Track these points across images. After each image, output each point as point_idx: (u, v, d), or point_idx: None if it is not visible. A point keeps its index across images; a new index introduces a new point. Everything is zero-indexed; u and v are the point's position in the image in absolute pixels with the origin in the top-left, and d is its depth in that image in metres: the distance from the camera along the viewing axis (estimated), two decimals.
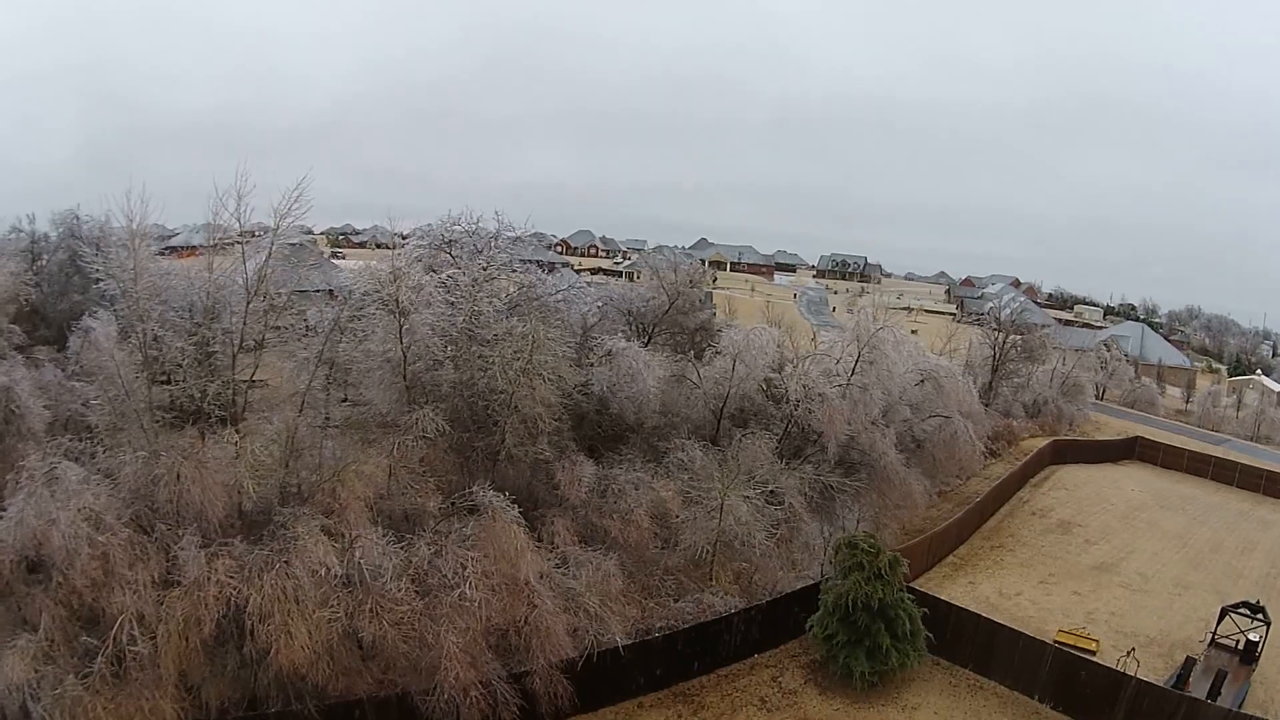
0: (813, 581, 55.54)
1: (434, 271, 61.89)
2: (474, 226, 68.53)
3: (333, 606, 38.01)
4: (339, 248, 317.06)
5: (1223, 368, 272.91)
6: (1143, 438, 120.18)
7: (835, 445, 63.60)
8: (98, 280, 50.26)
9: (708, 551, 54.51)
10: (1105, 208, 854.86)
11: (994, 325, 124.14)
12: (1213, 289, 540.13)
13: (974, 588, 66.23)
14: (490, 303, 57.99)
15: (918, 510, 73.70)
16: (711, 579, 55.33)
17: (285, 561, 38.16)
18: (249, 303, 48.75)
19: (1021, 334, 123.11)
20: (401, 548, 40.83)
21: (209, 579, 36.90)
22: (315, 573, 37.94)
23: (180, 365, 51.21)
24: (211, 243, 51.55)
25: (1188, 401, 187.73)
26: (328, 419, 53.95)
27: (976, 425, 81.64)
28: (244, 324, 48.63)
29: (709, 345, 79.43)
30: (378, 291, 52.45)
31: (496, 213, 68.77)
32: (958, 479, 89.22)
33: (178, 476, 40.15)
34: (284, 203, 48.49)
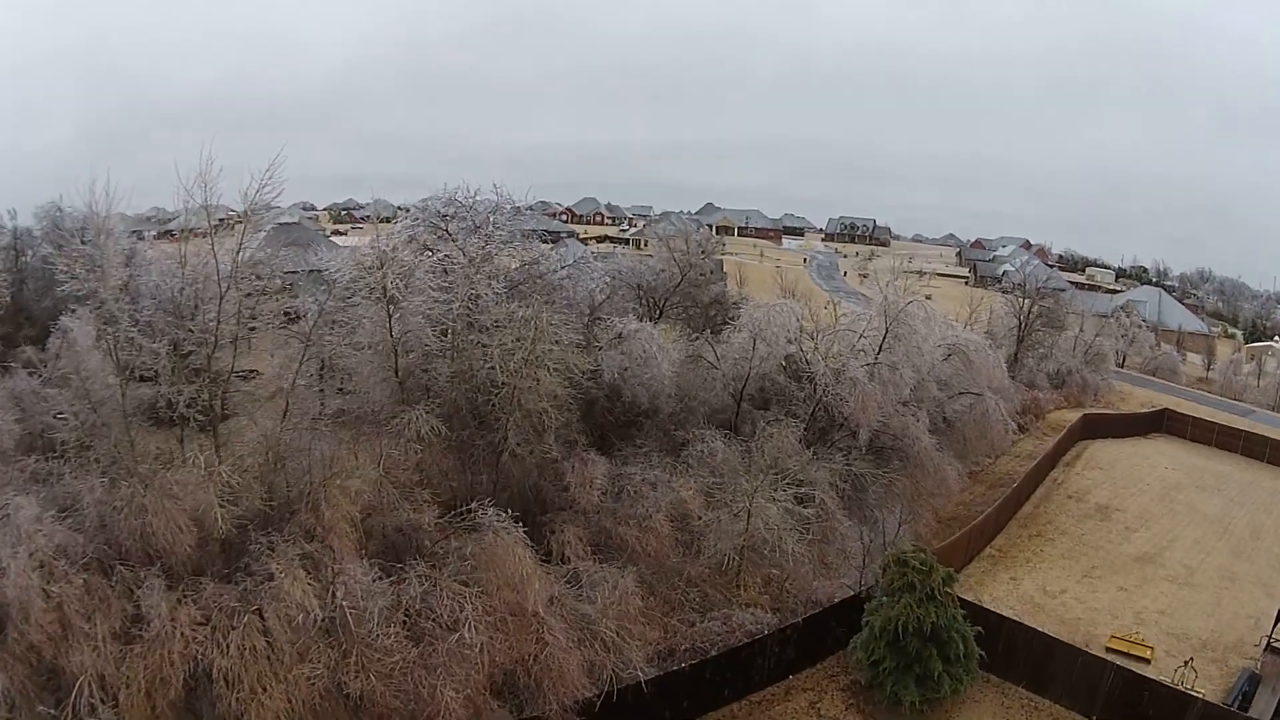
0: (851, 593, 50.49)
1: (430, 250, 57.55)
2: (471, 200, 62.99)
3: (312, 661, 33.08)
4: (341, 223, 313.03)
5: (1238, 333, 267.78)
6: (1170, 410, 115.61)
7: (866, 432, 58.92)
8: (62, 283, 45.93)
9: (734, 559, 49.25)
10: (1116, 164, 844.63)
11: (1019, 293, 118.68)
12: (1224, 248, 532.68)
13: (1016, 585, 62.13)
14: (489, 285, 52.92)
15: (952, 497, 69.56)
16: (739, 588, 50.28)
17: (257, 610, 33.32)
18: (222, 297, 44.28)
19: (1046, 301, 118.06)
20: (392, 582, 35.77)
21: (173, 632, 32.25)
22: (292, 620, 33.05)
23: (154, 369, 46.45)
24: (183, 230, 46.98)
25: (1209, 369, 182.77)
26: (321, 410, 49.86)
27: (1006, 402, 77.70)
28: (218, 321, 44.35)
29: (724, 320, 75.11)
30: (364, 278, 47.71)
31: (495, 185, 63.71)
32: (987, 458, 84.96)
33: (143, 509, 35.85)
34: (255, 185, 44.06)
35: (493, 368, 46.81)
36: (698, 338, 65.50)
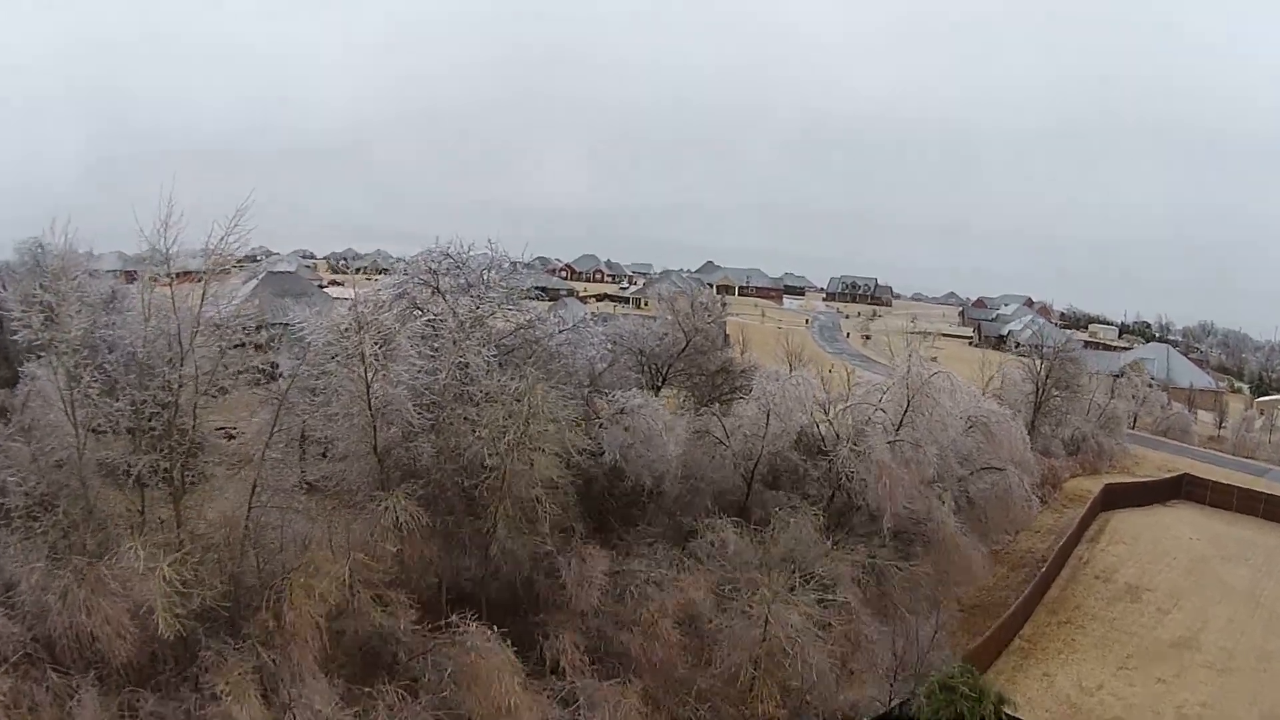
0: (881, 709, 44.91)
1: (420, 309, 52.95)
2: (464, 256, 57.75)
3: None
4: (339, 273, 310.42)
5: (1244, 386, 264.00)
6: (1189, 474, 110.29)
7: (891, 518, 54.05)
8: (14, 332, 41.88)
9: (749, 670, 43.86)
10: (1118, 217, 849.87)
11: (1035, 356, 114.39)
12: (1224, 301, 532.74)
13: (1050, 682, 57.49)
14: (480, 352, 47.79)
15: (977, 583, 64.70)
16: (755, 700, 44.48)
17: None
18: (183, 356, 40.05)
19: (1064, 366, 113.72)
20: (356, 714, 31.11)
21: None
22: None
23: (114, 429, 41.95)
24: (148, 279, 42.62)
25: (1220, 427, 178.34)
26: (301, 478, 45.37)
27: (1028, 475, 72.93)
28: (179, 382, 39.77)
29: (732, 389, 71.16)
30: (339, 343, 42.97)
31: (490, 241, 58.84)
32: (1007, 535, 79.95)
33: (84, 608, 31.88)
34: (220, 233, 40.46)
35: (482, 447, 42.36)
36: (704, 411, 61.15)
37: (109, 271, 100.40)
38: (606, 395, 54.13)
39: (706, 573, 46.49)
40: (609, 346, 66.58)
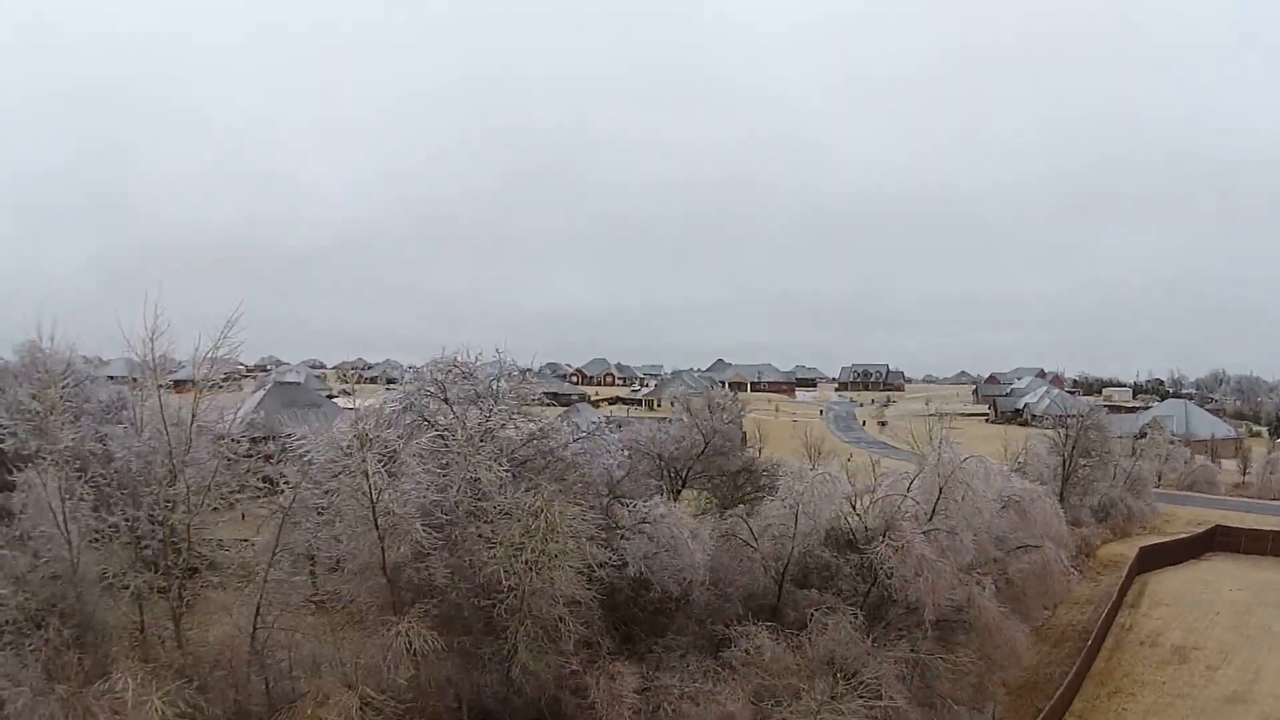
0: None
1: (428, 421, 51.60)
2: (473, 365, 56.36)
3: None
4: (348, 383, 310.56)
5: (1263, 430, 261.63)
6: (1221, 525, 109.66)
7: (933, 612, 51.98)
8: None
9: None
10: (1125, 277, 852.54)
11: (1061, 430, 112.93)
12: (1234, 347, 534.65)
13: None
14: (491, 467, 45.89)
15: (1021, 665, 62.36)
16: None
17: None
18: (174, 474, 39.05)
19: (1088, 434, 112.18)
20: None
21: None
22: None
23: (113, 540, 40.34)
24: (142, 389, 41.65)
25: (1245, 473, 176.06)
26: (313, 591, 44.94)
27: (1064, 549, 70.94)
28: (170, 501, 38.84)
29: (755, 489, 70.00)
30: (342, 461, 41.50)
31: (497, 349, 57.23)
32: (1045, 610, 78.19)
33: None
34: (210, 344, 40.01)
35: (498, 567, 40.75)
36: (730, 514, 59.21)
37: (114, 378, 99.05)
38: (628, 504, 52.33)
39: (742, 681, 44.35)
40: (626, 453, 65.23)
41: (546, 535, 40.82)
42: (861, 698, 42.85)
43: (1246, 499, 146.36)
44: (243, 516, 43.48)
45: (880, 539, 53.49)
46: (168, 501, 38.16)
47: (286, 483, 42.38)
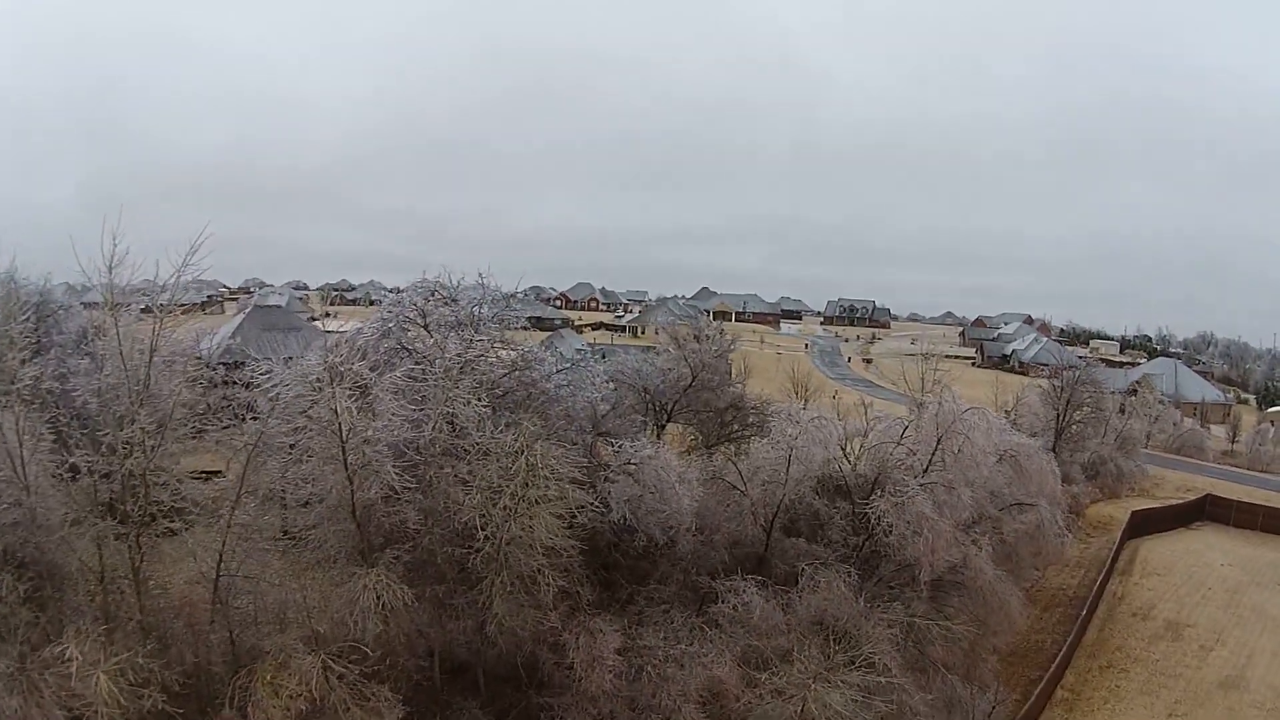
0: None
1: (406, 349, 48.36)
2: (454, 289, 53.01)
3: None
4: (332, 305, 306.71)
5: (1250, 397, 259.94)
6: (1212, 495, 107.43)
7: (931, 572, 49.19)
8: None
9: None
10: (1118, 227, 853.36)
11: (1056, 382, 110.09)
12: (1223, 307, 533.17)
13: None
14: (470, 402, 41.69)
15: (1015, 631, 60.38)
16: None
17: None
18: (135, 410, 34.86)
19: (1084, 388, 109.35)
20: None
21: None
22: None
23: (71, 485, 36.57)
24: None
25: (1234, 441, 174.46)
26: (283, 526, 40.89)
27: (1059, 509, 68.37)
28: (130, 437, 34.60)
29: (743, 426, 67.73)
30: (310, 396, 37.83)
31: (481, 273, 53.40)
32: (1035, 571, 75.70)
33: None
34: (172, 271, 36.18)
35: (473, 514, 37.64)
36: (718, 454, 57.64)
37: (90, 304, 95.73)
38: (614, 444, 48.98)
39: (729, 642, 41.59)
40: (611, 386, 61.95)
41: (527, 479, 37.77)
42: (858, 668, 39.85)
43: (1235, 468, 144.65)
44: (216, 443, 39.74)
45: (879, 492, 50.43)
46: (124, 444, 34.35)
47: (254, 415, 38.88)
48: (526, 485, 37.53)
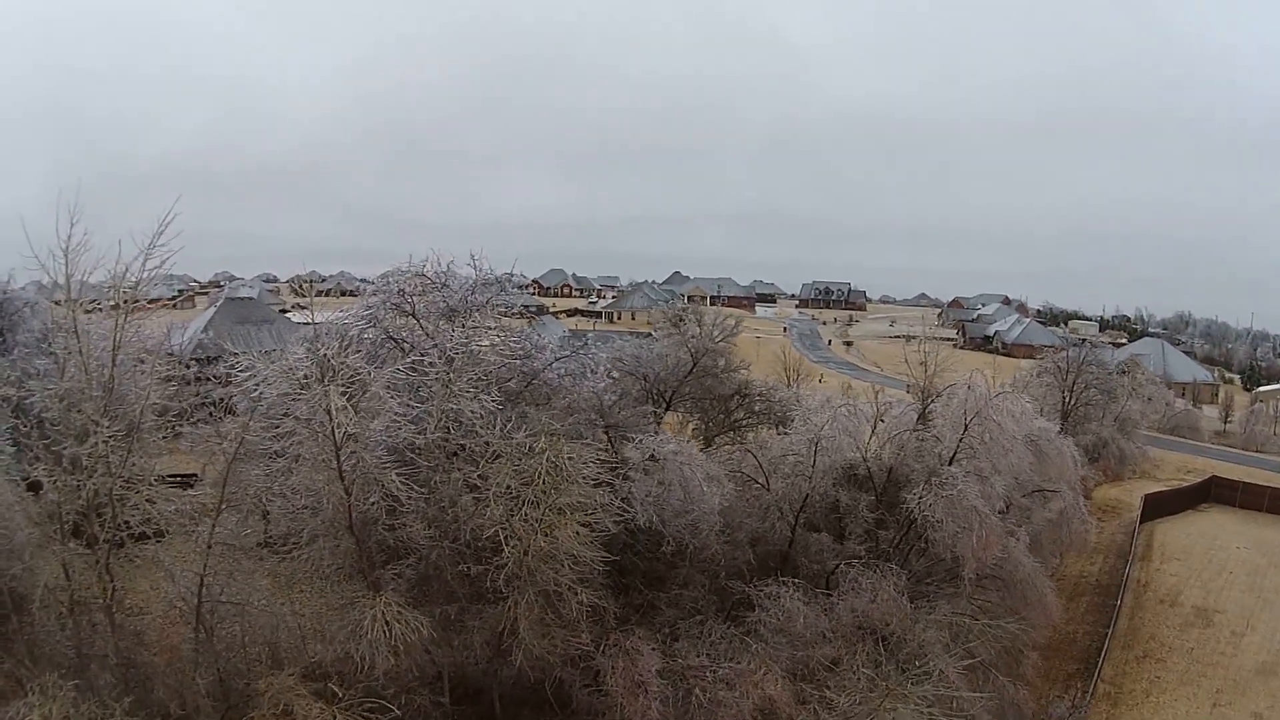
0: None
1: (394, 340, 43.84)
2: (444, 275, 47.51)
3: None
4: (302, 297, 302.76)
5: (1235, 377, 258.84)
6: (1217, 477, 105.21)
7: (973, 569, 45.70)
8: None
9: None
10: (1095, 208, 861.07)
11: (1063, 368, 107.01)
12: (1199, 290, 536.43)
13: None
14: (477, 397, 37.17)
15: (1053, 623, 57.39)
16: None
17: None
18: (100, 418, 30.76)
19: (1093, 372, 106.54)
20: None
21: None
22: None
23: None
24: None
25: (1226, 421, 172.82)
26: (265, 536, 37.30)
27: (1081, 495, 66.42)
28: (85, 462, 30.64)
29: (750, 414, 65.12)
30: (299, 396, 33.16)
31: (473, 256, 48.33)
32: (1054, 559, 72.96)
33: None
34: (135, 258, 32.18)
35: (482, 524, 33.51)
36: (736, 446, 55.48)
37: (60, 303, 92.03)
38: (631, 439, 45.07)
39: (772, 652, 37.97)
40: (614, 375, 58.25)
41: (553, 484, 33.67)
42: (916, 681, 36.39)
43: (1230, 448, 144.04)
44: (191, 447, 35.80)
45: (922, 484, 46.85)
46: (88, 458, 30.37)
47: (230, 413, 35.00)
48: (549, 491, 33.59)
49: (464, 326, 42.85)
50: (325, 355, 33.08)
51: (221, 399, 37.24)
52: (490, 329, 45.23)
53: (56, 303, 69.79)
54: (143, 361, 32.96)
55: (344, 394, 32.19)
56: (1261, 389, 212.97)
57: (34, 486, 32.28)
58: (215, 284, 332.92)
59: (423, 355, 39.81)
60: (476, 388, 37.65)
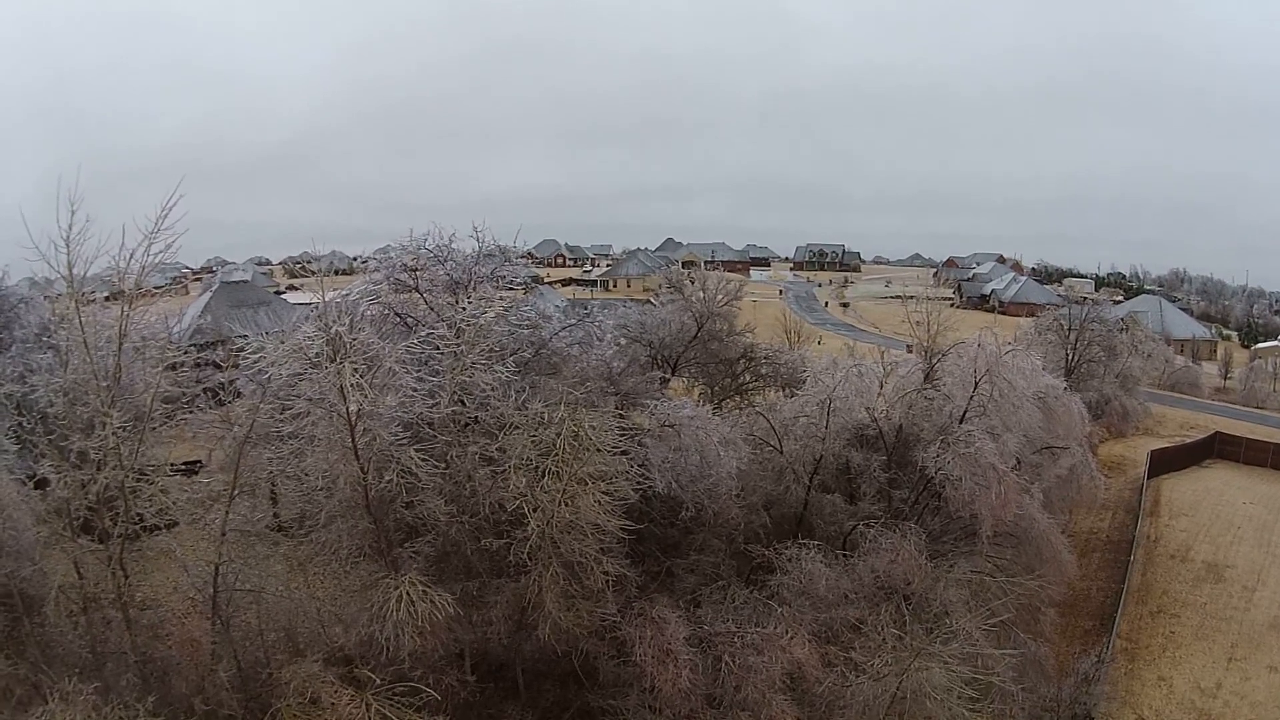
0: None
1: (399, 316, 43.31)
2: (447, 247, 46.66)
3: None
4: (295, 278, 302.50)
5: (1233, 334, 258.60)
6: (1221, 433, 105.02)
7: (990, 526, 45.44)
8: None
9: None
10: (1092, 171, 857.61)
11: (1066, 325, 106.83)
12: (1194, 249, 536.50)
13: (1169, 688, 53.42)
14: (491, 369, 36.51)
15: (1067, 581, 56.87)
16: None
17: None
18: (107, 409, 30.21)
19: (1096, 329, 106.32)
20: None
21: None
22: None
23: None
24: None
25: (1226, 378, 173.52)
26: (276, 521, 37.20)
27: (1090, 452, 66.78)
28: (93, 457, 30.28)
29: (756, 377, 65.86)
30: (309, 374, 32.59)
31: (476, 228, 46.98)
32: (1065, 515, 72.92)
33: None
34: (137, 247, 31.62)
35: (502, 497, 33.17)
36: (746, 409, 55.29)
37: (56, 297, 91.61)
38: (645, 405, 44.74)
39: (797, 615, 37.75)
40: (621, 341, 57.78)
41: (576, 453, 33.15)
42: (943, 640, 36.18)
43: (1230, 404, 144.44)
44: (194, 434, 35.40)
45: (937, 443, 46.56)
46: (96, 451, 29.98)
47: (238, 395, 34.50)
48: (571, 461, 33.09)
49: (481, 296, 42.35)
50: (337, 332, 32.44)
51: (224, 383, 36.45)
52: (497, 300, 44.76)
53: (48, 298, 69.73)
54: (147, 350, 32.39)
55: (356, 371, 31.74)
56: (1260, 345, 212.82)
57: (40, 484, 31.67)
58: (208, 269, 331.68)
59: (432, 329, 39.13)
60: (489, 359, 37.13)
